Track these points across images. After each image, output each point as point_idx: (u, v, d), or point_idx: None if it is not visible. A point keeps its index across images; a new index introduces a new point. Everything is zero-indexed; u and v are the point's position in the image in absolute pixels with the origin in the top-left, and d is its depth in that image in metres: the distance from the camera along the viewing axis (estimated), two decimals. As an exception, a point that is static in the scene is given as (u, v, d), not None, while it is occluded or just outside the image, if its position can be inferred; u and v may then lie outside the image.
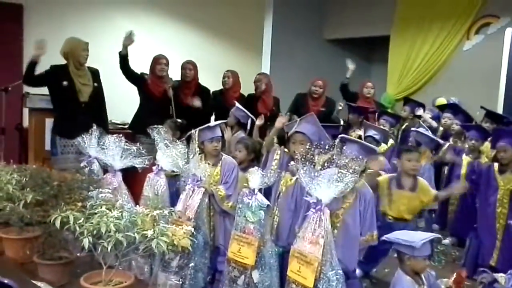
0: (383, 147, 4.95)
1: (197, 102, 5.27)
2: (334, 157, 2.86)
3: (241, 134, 4.70)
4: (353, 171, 2.35)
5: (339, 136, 3.29)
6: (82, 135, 3.17)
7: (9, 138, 4.96)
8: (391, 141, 5.22)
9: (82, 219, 2.09)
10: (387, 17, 7.47)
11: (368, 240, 3.03)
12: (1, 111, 4.87)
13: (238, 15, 8.17)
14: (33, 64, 4.44)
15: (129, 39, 4.96)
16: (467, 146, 4.84)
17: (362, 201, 2.97)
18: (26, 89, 5.17)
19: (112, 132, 3.62)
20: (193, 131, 3.47)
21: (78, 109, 4.54)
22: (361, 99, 6.11)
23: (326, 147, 2.82)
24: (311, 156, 2.60)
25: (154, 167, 3.24)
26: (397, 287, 2.51)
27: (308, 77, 6.07)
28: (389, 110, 6.38)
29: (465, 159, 4.76)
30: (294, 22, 7.95)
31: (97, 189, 2.60)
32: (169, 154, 3.15)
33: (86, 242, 2.00)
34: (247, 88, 5.87)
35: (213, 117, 5.75)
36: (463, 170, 4.70)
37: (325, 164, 2.67)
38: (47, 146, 5.03)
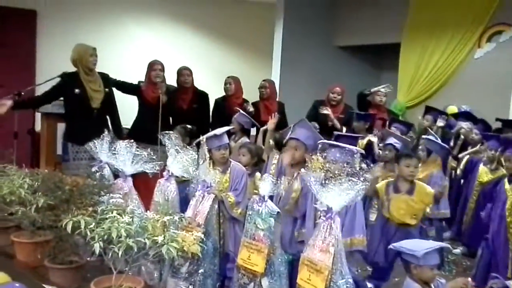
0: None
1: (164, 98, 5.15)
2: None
3: (245, 140, 4.71)
4: (364, 179, 2.34)
5: (318, 141, 3.28)
6: (94, 141, 3.18)
7: (21, 142, 5.01)
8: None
9: (93, 224, 2.10)
10: (398, 24, 7.45)
11: (348, 244, 2.94)
12: (14, 115, 4.91)
13: (249, 21, 8.21)
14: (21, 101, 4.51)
15: None
16: (485, 156, 4.79)
17: None
18: (39, 93, 5.22)
19: (125, 138, 3.64)
20: (202, 137, 3.48)
21: (90, 115, 4.56)
22: (373, 107, 6.08)
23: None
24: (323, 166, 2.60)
25: (164, 173, 3.25)
26: (406, 295, 2.49)
27: (318, 84, 6.07)
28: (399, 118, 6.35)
29: (482, 169, 4.73)
30: (305, 28, 7.95)
31: (108, 194, 2.61)
32: (180, 160, 3.16)
33: (97, 247, 2.00)
34: (256, 94, 5.88)
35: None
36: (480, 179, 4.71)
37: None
38: (59, 151, 5.08)
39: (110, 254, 2.02)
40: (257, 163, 3.97)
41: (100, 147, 3.14)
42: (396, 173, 3.90)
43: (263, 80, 5.92)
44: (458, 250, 4.86)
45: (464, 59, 6.91)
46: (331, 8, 8.38)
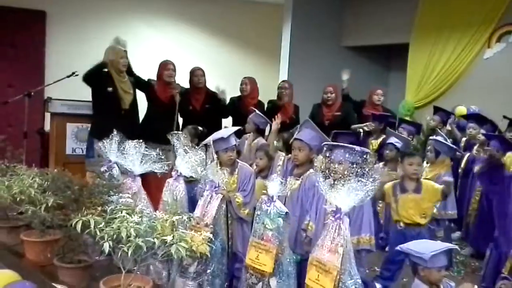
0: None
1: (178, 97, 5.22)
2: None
3: (261, 141, 4.72)
4: (373, 180, 2.33)
5: (323, 144, 3.27)
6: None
7: (31, 142, 5.05)
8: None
9: (103, 223, 2.11)
10: (406, 24, 7.42)
11: (359, 243, 2.93)
12: (24, 115, 4.96)
13: (256, 22, 8.21)
14: (102, 65, 4.61)
15: None
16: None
17: None
18: (48, 94, 5.26)
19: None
20: (208, 139, 3.48)
21: (119, 115, 4.67)
22: (369, 106, 6.06)
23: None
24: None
25: (173, 173, 3.26)
26: (414, 296, 2.48)
27: (326, 84, 6.06)
28: (407, 118, 6.33)
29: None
30: (313, 29, 7.94)
31: (117, 194, 2.62)
32: (188, 160, 3.17)
33: (106, 246, 2.01)
34: (264, 94, 5.88)
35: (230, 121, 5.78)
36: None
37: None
38: (68, 151, 5.13)
39: (119, 254, 2.03)
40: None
41: (109, 146, 3.15)
42: (401, 173, 3.88)
43: (283, 81, 5.95)
44: (466, 251, 4.83)
45: (473, 59, 6.87)
46: (339, 8, 8.36)
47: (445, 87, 7.17)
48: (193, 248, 2.14)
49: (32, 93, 5.02)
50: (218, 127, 5.37)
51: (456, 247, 3.71)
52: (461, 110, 6.41)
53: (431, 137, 5.30)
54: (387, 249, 4.13)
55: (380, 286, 3.72)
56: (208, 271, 3.06)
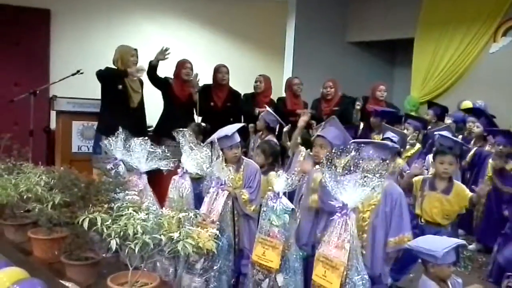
0: (410, 150, 4.91)
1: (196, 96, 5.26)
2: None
3: (272, 139, 4.74)
4: (379, 175, 2.32)
5: (351, 141, 3.21)
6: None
7: (37, 140, 5.06)
8: (418, 145, 5.13)
9: (110, 220, 2.12)
10: (411, 19, 7.39)
11: (397, 243, 2.80)
12: (30, 113, 4.98)
13: (261, 18, 8.19)
14: (122, 73, 4.68)
15: (162, 55, 5.02)
16: (494, 151, 4.75)
17: (388, 201, 2.79)
18: (54, 92, 5.28)
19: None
20: (213, 136, 3.48)
21: (127, 113, 4.70)
22: (372, 102, 6.05)
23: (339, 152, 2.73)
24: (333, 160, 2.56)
25: (179, 170, 3.26)
26: (422, 292, 2.47)
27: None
28: (413, 113, 6.30)
29: (491, 163, 4.67)
30: (317, 24, 7.93)
31: (124, 191, 2.63)
32: (194, 157, 3.17)
33: (113, 243, 2.01)
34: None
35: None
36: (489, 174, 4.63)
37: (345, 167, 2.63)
38: (74, 148, 5.15)
39: (126, 251, 2.03)
40: (273, 163, 3.97)
41: (115, 144, 3.15)
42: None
43: (296, 77, 5.96)
44: (473, 246, 4.81)
45: (479, 54, 6.84)
46: (343, 4, 8.35)
47: (450, 82, 7.15)
48: (200, 244, 2.15)
49: (38, 92, 5.04)
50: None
51: (465, 242, 3.67)
52: (467, 104, 6.38)
53: (436, 132, 5.28)
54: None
55: (391, 280, 3.67)
56: (215, 267, 3.07)
